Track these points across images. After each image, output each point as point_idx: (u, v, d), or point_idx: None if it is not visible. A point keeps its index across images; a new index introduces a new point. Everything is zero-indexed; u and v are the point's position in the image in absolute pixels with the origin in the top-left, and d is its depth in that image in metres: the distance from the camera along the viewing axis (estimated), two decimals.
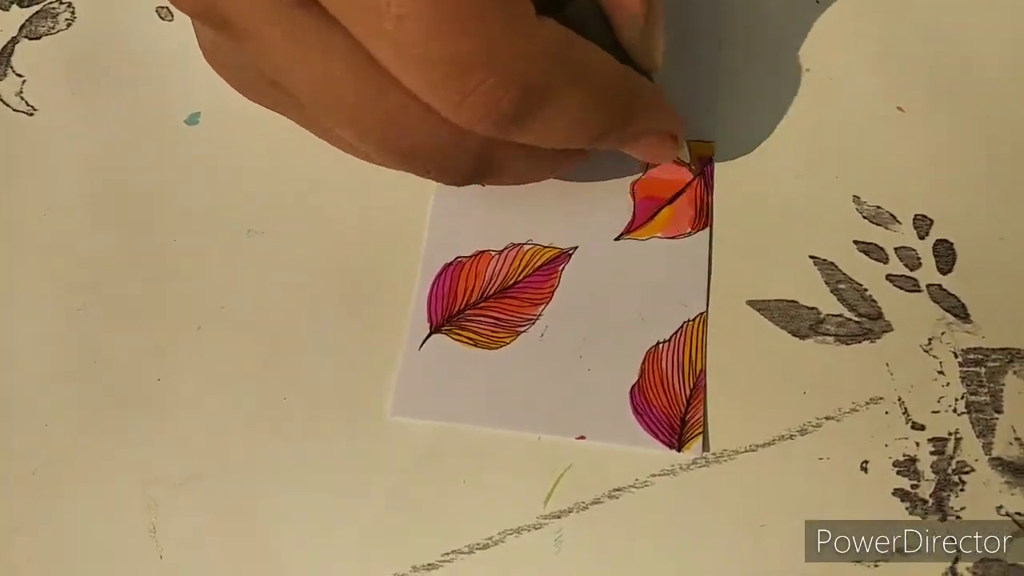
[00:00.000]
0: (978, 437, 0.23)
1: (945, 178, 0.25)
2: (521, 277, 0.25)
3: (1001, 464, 0.23)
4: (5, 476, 0.24)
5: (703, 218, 0.25)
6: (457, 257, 0.25)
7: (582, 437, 0.23)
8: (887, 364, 0.24)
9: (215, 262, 0.25)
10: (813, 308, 0.24)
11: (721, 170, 0.26)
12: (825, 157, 0.26)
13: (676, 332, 0.24)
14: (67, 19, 0.29)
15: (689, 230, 0.25)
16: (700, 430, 0.23)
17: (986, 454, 0.23)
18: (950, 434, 0.23)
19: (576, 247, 0.25)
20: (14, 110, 0.28)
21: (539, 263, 0.25)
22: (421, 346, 0.24)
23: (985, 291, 0.24)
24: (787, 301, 0.24)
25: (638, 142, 0.22)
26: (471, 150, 0.20)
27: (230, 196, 0.26)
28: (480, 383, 0.24)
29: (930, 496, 0.23)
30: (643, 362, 0.24)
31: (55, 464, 0.24)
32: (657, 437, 0.23)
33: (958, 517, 0.22)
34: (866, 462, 0.23)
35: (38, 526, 0.23)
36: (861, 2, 0.27)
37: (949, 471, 0.23)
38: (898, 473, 0.23)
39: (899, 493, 0.23)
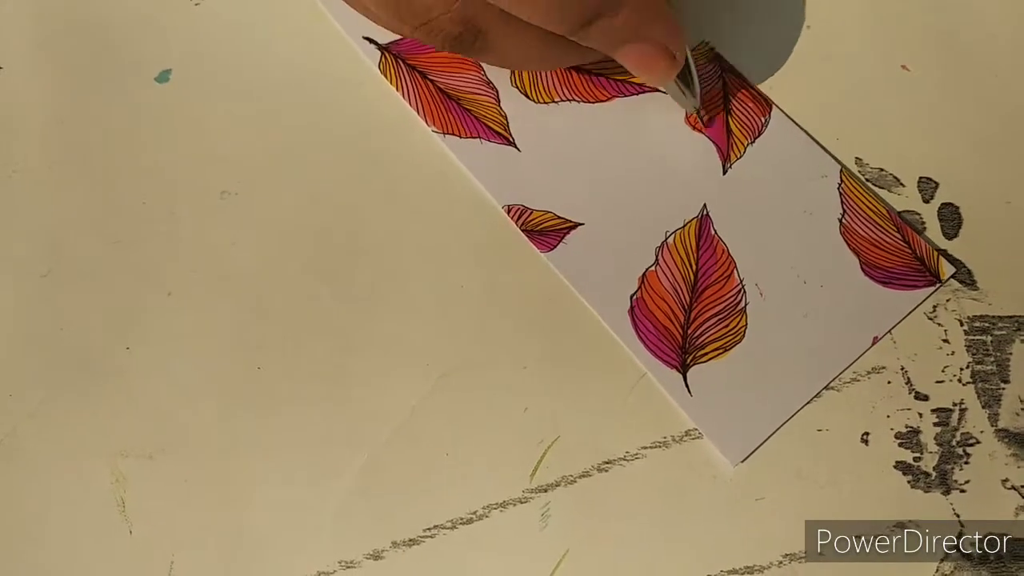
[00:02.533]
0: (984, 408, 0.22)
1: (951, 139, 0.24)
2: (695, 268, 0.23)
3: (1008, 436, 0.22)
4: None
5: (761, 101, 0.25)
6: (629, 296, 0.23)
7: (875, 339, 0.22)
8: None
9: (186, 225, 0.24)
10: None
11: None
12: (826, 117, 0.25)
13: (841, 200, 0.24)
14: None
15: (763, 119, 0.25)
16: (936, 254, 0.23)
17: (992, 425, 0.22)
18: (954, 404, 0.22)
19: (703, 204, 0.24)
20: None
21: (693, 243, 0.24)
22: (689, 390, 0.22)
23: (992, 256, 0.23)
24: None
25: (628, 47, 0.21)
26: (457, 10, 0.20)
27: (202, 156, 0.25)
28: (764, 371, 0.22)
29: (933, 469, 0.22)
30: (846, 244, 0.23)
31: (20, 437, 0.23)
32: (917, 287, 0.23)
33: (962, 491, 0.21)
34: (867, 434, 0.22)
35: (2, 501, 0.22)
36: None
37: (953, 443, 0.22)
38: (900, 445, 0.22)
39: (901, 466, 0.22)
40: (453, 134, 0.25)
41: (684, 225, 0.24)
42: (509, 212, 0.24)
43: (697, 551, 0.21)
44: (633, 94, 0.25)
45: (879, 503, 0.21)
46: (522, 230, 0.24)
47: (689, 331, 0.23)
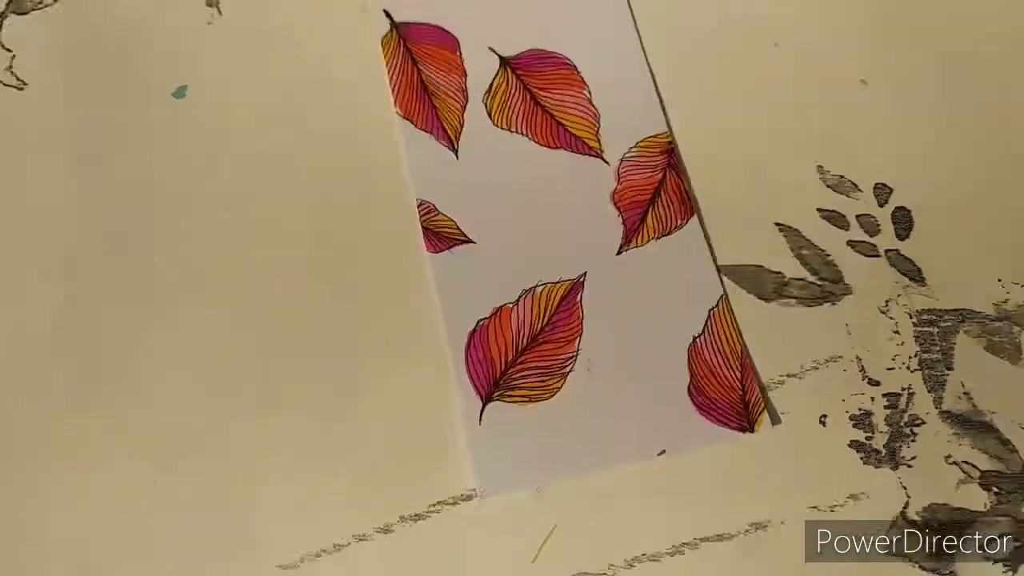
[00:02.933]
0: (929, 392, 0.25)
1: (904, 148, 0.27)
2: (546, 320, 0.25)
3: (950, 417, 0.25)
4: None
5: (687, 206, 0.26)
6: (478, 321, 0.25)
7: (662, 452, 0.23)
8: (846, 325, 0.25)
9: (200, 233, 0.26)
10: (778, 272, 0.25)
11: (691, 148, 0.27)
12: (790, 128, 0.27)
13: (706, 322, 0.25)
14: None
15: (679, 222, 0.26)
16: (763, 406, 0.24)
17: (936, 408, 0.25)
18: (903, 389, 0.25)
19: (584, 273, 0.25)
20: (4, 84, 0.28)
21: (557, 301, 0.25)
22: (480, 419, 0.24)
23: (940, 255, 0.26)
24: (754, 266, 0.26)
25: None
26: None
27: (216, 168, 0.27)
28: (550, 434, 0.24)
29: (883, 447, 0.24)
30: (688, 361, 0.24)
31: (33, 442, 0.24)
32: (728, 426, 0.24)
33: (909, 466, 0.24)
34: (824, 416, 0.24)
35: (21, 508, 0.24)
36: None
37: (902, 424, 0.24)
38: (854, 426, 0.24)
39: (855, 444, 0.24)
40: (411, 121, 0.27)
41: (557, 282, 0.25)
42: (420, 206, 0.26)
43: (672, 522, 0.23)
44: (580, 152, 0.27)
45: (835, 477, 0.24)
46: (422, 225, 0.26)
47: (510, 371, 0.24)
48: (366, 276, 0.26)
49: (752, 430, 0.24)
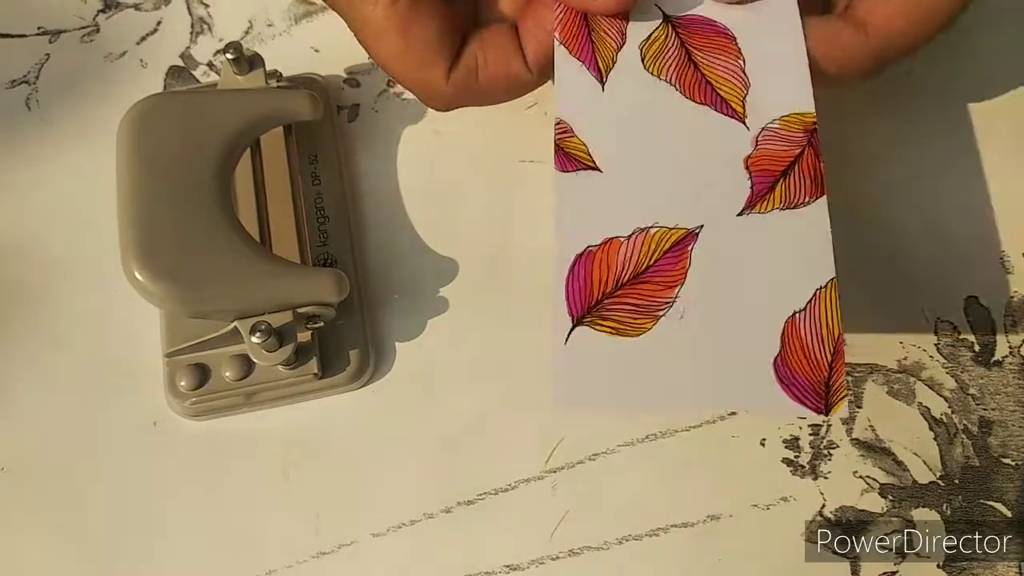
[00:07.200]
0: (843, 424, 0.33)
1: None
2: (652, 261, 0.25)
3: (859, 443, 0.33)
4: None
5: (819, 186, 0.26)
6: (587, 247, 0.25)
7: (733, 413, 0.27)
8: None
9: None
10: None
11: None
12: None
13: (810, 301, 0.24)
14: None
15: (807, 199, 0.26)
16: (844, 393, 0.24)
17: (848, 436, 0.33)
18: (824, 421, 0.34)
19: (701, 226, 0.25)
20: None
21: (667, 246, 0.25)
22: (567, 340, 0.24)
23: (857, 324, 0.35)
24: None
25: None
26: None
27: None
28: (628, 368, 0.24)
29: (807, 463, 0.33)
30: (782, 333, 0.24)
31: (218, 433, 0.35)
32: (805, 404, 0.24)
33: (826, 478, 0.33)
34: (764, 439, 0.33)
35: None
36: None
37: (822, 447, 0.33)
38: (786, 447, 0.33)
39: (785, 461, 0.33)
40: (566, 47, 0.28)
41: (672, 228, 0.25)
42: (557, 124, 0.27)
43: (650, 511, 0.32)
44: (723, 113, 0.27)
45: (770, 484, 0.33)
46: (555, 142, 0.26)
47: (605, 301, 0.25)
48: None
49: (827, 413, 0.24)
